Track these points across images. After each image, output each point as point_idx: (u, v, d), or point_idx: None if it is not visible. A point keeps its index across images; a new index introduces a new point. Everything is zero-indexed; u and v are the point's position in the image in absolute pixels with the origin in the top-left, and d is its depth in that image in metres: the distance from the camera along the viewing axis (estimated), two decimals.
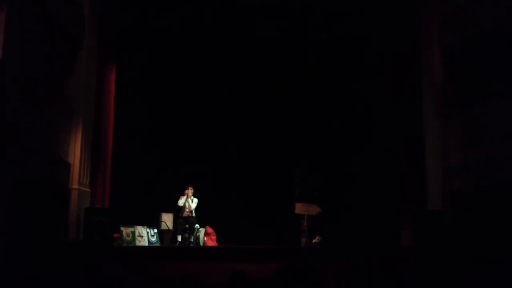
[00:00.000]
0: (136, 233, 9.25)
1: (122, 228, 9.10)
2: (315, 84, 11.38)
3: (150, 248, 9.14)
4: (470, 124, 8.02)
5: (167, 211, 10.18)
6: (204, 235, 9.83)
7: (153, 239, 9.57)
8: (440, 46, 8.74)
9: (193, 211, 9.88)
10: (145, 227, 9.52)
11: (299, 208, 9.96)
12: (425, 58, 9.06)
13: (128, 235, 9.13)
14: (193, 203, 9.87)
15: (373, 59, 10.56)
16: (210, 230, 9.92)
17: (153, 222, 9.94)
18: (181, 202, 9.82)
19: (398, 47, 9.77)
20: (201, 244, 9.74)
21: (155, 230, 9.76)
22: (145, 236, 9.41)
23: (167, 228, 10.05)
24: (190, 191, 9.87)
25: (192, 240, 9.79)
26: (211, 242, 9.82)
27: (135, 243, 9.11)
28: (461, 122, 8.26)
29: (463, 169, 8.09)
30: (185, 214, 9.82)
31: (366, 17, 10.10)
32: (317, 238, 9.77)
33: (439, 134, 8.60)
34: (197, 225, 9.88)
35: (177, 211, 9.98)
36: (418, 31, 9.26)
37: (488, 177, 7.43)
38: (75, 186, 8.42)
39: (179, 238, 9.66)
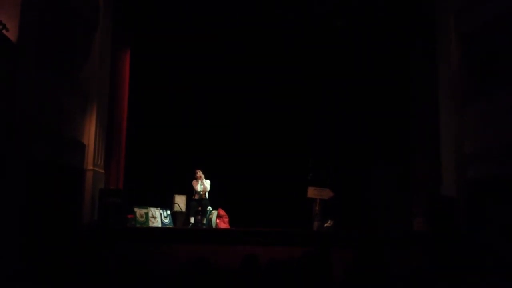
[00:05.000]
0: (150, 215, 9.35)
1: (135, 209, 9.20)
2: (329, 70, 11.29)
3: (163, 229, 9.24)
4: (485, 112, 7.93)
5: (180, 193, 10.28)
6: (216, 218, 9.91)
7: (166, 220, 9.67)
8: (457, 32, 8.60)
9: (207, 193, 9.97)
10: (159, 208, 9.62)
11: (312, 192, 9.97)
12: (442, 44, 8.93)
13: (141, 216, 9.23)
14: (207, 184, 9.98)
15: (388, 45, 10.42)
16: (222, 212, 10.00)
17: (166, 203, 10.05)
18: (198, 186, 9.91)
19: (414, 33, 9.63)
20: (214, 226, 9.82)
21: (168, 212, 9.87)
22: (158, 217, 9.51)
23: (180, 210, 10.14)
24: (200, 173, 9.96)
25: (204, 222, 9.87)
26: (224, 224, 9.89)
27: (148, 224, 9.21)
28: (477, 109, 8.16)
29: (477, 157, 8.02)
30: (201, 196, 9.92)
31: (382, 3, 9.93)
32: (329, 222, 9.79)
33: (454, 121, 8.51)
34: (209, 207, 9.96)
35: (190, 193, 10.07)
36: (435, 16, 9.12)
37: (503, 164, 7.37)
38: (90, 167, 8.52)
39: (192, 220, 9.75)
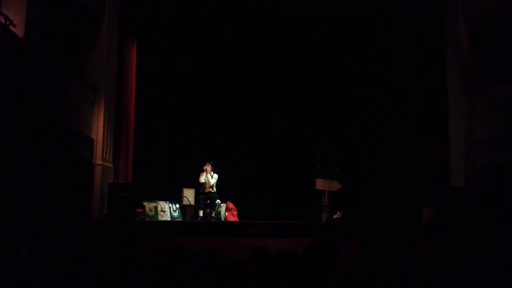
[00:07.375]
0: (159, 208, 9.37)
1: (145, 203, 9.22)
2: (337, 59, 11.23)
3: (172, 223, 9.26)
4: (495, 100, 7.85)
5: (188, 187, 10.30)
6: (225, 211, 9.93)
7: (175, 214, 9.70)
8: (465, 18, 8.50)
9: (214, 187, 9.97)
10: (167, 202, 9.64)
11: (320, 184, 9.94)
12: (450, 30, 8.83)
13: (150, 210, 9.26)
14: (212, 178, 9.95)
15: (396, 31, 10.34)
16: (231, 205, 10.01)
17: (175, 197, 10.07)
18: (202, 178, 9.91)
19: (421, 19, 9.54)
20: (223, 219, 9.83)
21: (177, 205, 9.89)
22: (168, 211, 9.53)
23: (188, 203, 10.16)
24: (208, 167, 9.95)
25: (213, 215, 9.89)
26: (232, 217, 9.90)
27: (157, 218, 9.24)
28: (486, 97, 8.08)
29: (487, 145, 7.95)
30: (206, 190, 9.92)
31: None
32: (337, 213, 9.77)
33: (464, 109, 8.44)
34: (218, 201, 9.97)
35: (199, 187, 10.08)
36: (443, 2, 9.02)
37: None
38: (99, 161, 8.53)
39: (201, 213, 9.77)
